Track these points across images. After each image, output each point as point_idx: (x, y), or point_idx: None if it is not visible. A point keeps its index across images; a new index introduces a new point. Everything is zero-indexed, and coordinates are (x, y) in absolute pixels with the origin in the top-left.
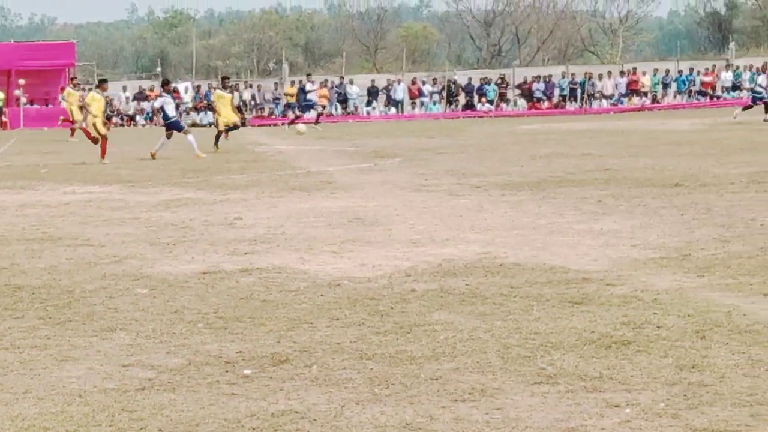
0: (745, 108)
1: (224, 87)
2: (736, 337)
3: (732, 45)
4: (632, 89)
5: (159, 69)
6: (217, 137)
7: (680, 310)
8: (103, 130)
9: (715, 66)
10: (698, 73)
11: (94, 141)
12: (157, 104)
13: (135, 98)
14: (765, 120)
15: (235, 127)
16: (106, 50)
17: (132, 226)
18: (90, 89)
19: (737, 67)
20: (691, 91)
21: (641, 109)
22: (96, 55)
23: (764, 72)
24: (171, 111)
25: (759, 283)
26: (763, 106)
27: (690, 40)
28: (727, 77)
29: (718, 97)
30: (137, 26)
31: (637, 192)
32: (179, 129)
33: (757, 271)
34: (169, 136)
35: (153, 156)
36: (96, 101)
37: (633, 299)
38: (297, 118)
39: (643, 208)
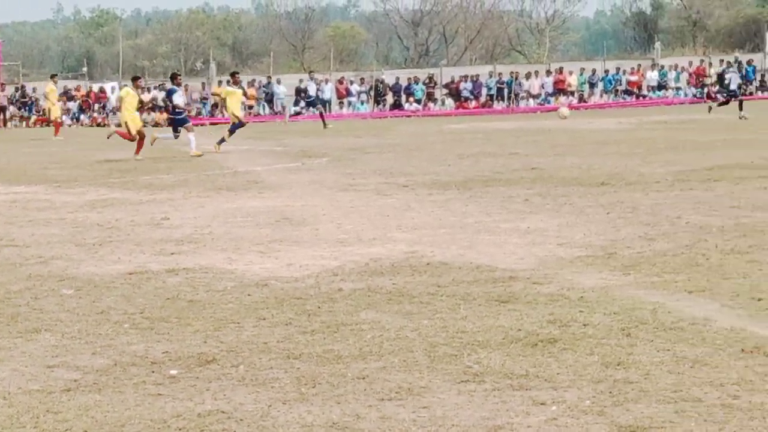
0: (730, 103)
1: (235, 83)
2: (661, 335)
3: (657, 45)
4: (559, 88)
5: (85, 69)
6: (231, 132)
7: (606, 308)
8: (139, 126)
9: (640, 65)
10: (624, 72)
11: (132, 139)
12: (178, 100)
13: (60, 98)
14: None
15: (241, 124)
16: (32, 50)
17: (58, 227)
18: (124, 86)
19: (662, 67)
20: (617, 91)
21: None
22: (21, 54)
23: (738, 71)
24: (181, 105)
25: (683, 281)
26: (721, 101)
27: (616, 39)
28: (652, 77)
29: (644, 97)
30: (63, 26)
31: (564, 191)
32: (179, 124)
33: (682, 268)
34: (189, 129)
35: (198, 155)
36: (130, 96)
37: (559, 297)
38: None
39: (570, 207)
